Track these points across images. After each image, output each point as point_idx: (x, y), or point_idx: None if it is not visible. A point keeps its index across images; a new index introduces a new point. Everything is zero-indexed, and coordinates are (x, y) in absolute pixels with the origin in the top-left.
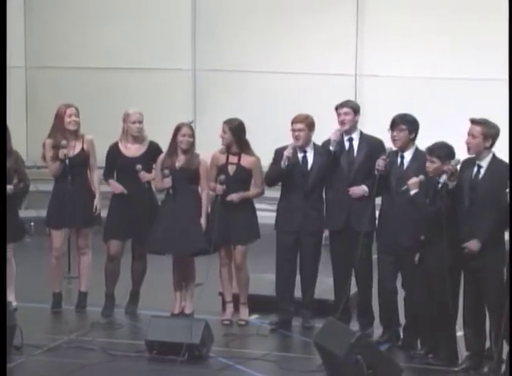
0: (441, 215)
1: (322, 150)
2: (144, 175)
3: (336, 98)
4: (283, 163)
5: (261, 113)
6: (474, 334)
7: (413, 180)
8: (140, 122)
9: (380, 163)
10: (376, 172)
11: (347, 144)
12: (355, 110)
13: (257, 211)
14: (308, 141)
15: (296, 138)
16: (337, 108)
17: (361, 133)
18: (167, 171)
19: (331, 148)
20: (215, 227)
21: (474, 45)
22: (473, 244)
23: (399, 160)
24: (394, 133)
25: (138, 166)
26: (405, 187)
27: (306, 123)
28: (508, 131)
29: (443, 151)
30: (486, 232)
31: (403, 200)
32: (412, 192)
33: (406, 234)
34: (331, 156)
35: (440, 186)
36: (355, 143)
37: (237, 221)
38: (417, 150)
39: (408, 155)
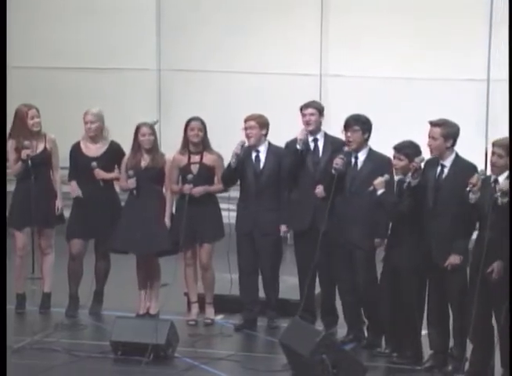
0: (406, 215)
1: (278, 150)
2: (99, 173)
3: (300, 98)
4: (232, 160)
5: (225, 112)
6: (437, 333)
7: (379, 180)
8: (92, 122)
9: (338, 161)
10: (333, 171)
11: (312, 144)
12: (320, 110)
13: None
14: (260, 140)
15: (247, 136)
16: (301, 109)
17: (325, 134)
18: (131, 172)
19: (298, 147)
20: (182, 226)
21: (438, 45)
22: (454, 259)
23: (353, 160)
24: (349, 134)
25: (93, 163)
26: (372, 188)
27: (258, 121)
28: (508, 130)
29: (411, 149)
30: (463, 246)
31: (356, 200)
32: (379, 192)
33: (360, 234)
34: (298, 155)
35: (406, 184)
36: (320, 144)
37: (203, 219)
38: (371, 151)
39: (361, 155)
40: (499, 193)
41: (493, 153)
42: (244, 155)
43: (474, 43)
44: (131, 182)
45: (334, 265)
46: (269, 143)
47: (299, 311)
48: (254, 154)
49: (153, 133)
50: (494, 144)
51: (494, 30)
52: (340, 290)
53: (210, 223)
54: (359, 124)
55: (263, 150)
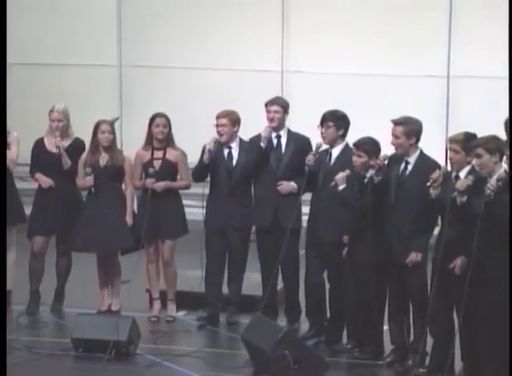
0: (368, 211)
1: (248, 146)
2: (67, 161)
3: (261, 94)
4: (205, 156)
5: (186, 108)
6: (398, 328)
7: (340, 175)
8: (59, 120)
9: (310, 158)
10: (306, 168)
11: (275, 141)
12: (285, 107)
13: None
14: (232, 137)
15: (219, 133)
16: (266, 105)
17: (288, 131)
18: (89, 170)
19: (262, 144)
20: (144, 222)
21: (398, 41)
22: (414, 257)
23: (327, 156)
24: (323, 130)
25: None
26: (333, 183)
27: (229, 118)
28: (509, 130)
29: (370, 146)
30: (423, 243)
31: (328, 196)
32: (340, 187)
33: (330, 230)
34: (261, 152)
35: (366, 180)
36: (283, 141)
37: (165, 215)
38: (346, 146)
39: (335, 151)
40: (456, 194)
41: (450, 149)
42: (216, 152)
43: (434, 40)
44: (89, 180)
45: (307, 261)
46: (240, 140)
47: (261, 307)
48: (226, 151)
49: (113, 131)
50: (450, 140)
51: (454, 27)
52: (307, 286)
53: (173, 219)
54: (334, 120)
55: (235, 146)
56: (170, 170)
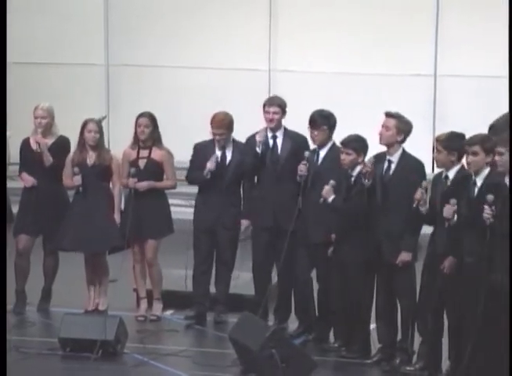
0: (355, 213)
1: (242, 147)
2: (48, 158)
3: (249, 93)
4: (257, 148)
5: (174, 107)
6: (386, 326)
7: (326, 189)
8: (43, 117)
9: (302, 168)
10: (298, 178)
11: (271, 142)
12: (283, 108)
13: (171, 206)
14: (229, 140)
15: (218, 142)
16: (265, 105)
17: (285, 130)
18: (77, 169)
19: (257, 149)
20: (128, 221)
21: (385, 40)
22: (404, 256)
23: (315, 156)
24: (316, 133)
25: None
26: (322, 199)
27: (226, 127)
28: (509, 130)
29: (357, 143)
30: (412, 243)
31: (316, 197)
32: (330, 199)
33: (318, 230)
34: (258, 157)
35: (353, 179)
36: (279, 141)
37: (149, 215)
38: (333, 145)
39: (323, 152)
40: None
41: (436, 149)
42: (210, 153)
43: (421, 39)
44: (77, 179)
45: (296, 261)
46: (233, 140)
47: (254, 307)
48: (220, 152)
49: (100, 130)
50: (436, 140)
51: (440, 26)
52: (295, 284)
53: (157, 219)
54: (324, 122)
55: (228, 147)
56: (155, 169)
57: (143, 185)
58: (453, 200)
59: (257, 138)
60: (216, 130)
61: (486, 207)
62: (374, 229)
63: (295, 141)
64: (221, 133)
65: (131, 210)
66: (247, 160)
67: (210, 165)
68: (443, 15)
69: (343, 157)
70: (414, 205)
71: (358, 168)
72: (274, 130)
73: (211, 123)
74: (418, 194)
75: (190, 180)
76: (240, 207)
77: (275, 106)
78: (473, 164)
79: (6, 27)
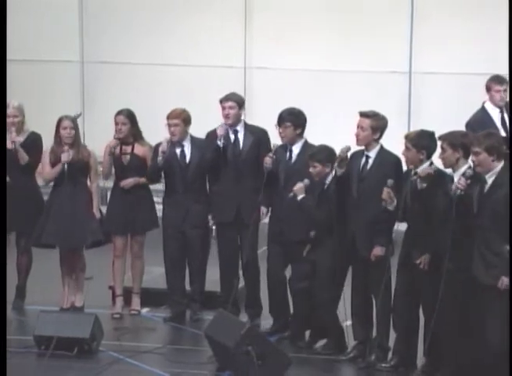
0: (329, 216)
1: (202, 143)
2: (23, 157)
3: (225, 90)
4: (158, 158)
5: (149, 105)
6: (361, 323)
7: (298, 186)
8: (15, 116)
9: (268, 161)
10: (264, 169)
11: (232, 136)
12: (240, 103)
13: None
14: (184, 135)
15: (172, 133)
16: (221, 101)
17: (245, 124)
18: (66, 147)
19: (219, 143)
20: (113, 216)
21: (361, 38)
22: (377, 251)
23: (288, 154)
24: (281, 130)
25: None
26: (292, 194)
27: (181, 118)
28: (509, 130)
29: (323, 154)
30: (386, 238)
31: (290, 197)
32: (299, 197)
33: (295, 228)
34: (219, 151)
35: (326, 187)
36: (240, 135)
37: (135, 209)
38: (306, 143)
39: (296, 149)
40: (417, 178)
41: (405, 147)
42: (169, 151)
43: (396, 36)
44: (66, 156)
45: (270, 257)
46: (192, 137)
47: (223, 303)
48: (178, 150)
49: (75, 127)
50: (405, 137)
51: (415, 23)
52: (269, 283)
53: (144, 213)
54: (291, 119)
55: (187, 144)
56: (138, 164)
57: (129, 182)
58: (390, 181)
59: (218, 131)
60: (171, 120)
61: (462, 178)
62: (348, 224)
63: (256, 135)
64: (175, 124)
65: (115, 205)
66: (208, 155)
67: (161, 147)
68: (418, 12)
69: (311, 169)
70: (382, 205)
71: (330, 177)
72: (233, 125)
73: (168, 117)
74: (384, 194)
75: (149, 176)
76: (207, 203)
77: (231, 101)
78: (444, 160)
79: (6, 26)
